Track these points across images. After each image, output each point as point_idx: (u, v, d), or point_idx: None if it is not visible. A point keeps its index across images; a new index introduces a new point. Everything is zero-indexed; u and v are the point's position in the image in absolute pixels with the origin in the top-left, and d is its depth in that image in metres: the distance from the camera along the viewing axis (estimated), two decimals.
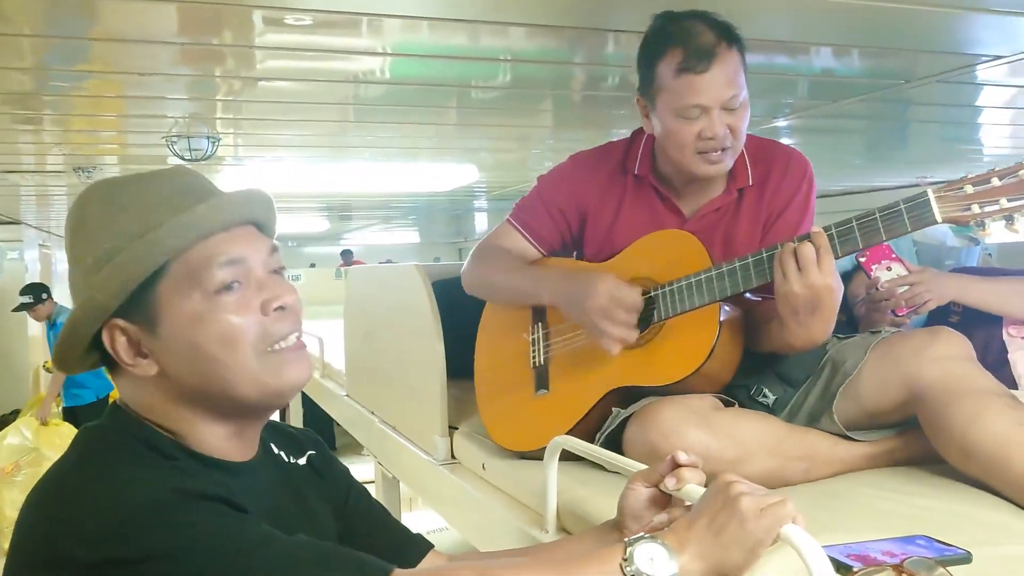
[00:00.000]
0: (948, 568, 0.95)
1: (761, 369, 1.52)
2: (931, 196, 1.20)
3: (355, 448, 5.00)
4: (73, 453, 0.90)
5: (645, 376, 1.42)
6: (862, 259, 2.02)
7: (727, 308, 1.42)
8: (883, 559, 0.96)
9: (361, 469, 4.52)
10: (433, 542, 1.17)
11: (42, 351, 6.86)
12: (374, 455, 2.67)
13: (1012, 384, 1.88)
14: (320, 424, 4.73)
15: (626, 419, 1.40)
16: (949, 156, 5.16)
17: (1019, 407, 1.27)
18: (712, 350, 1.37)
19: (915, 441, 1.42)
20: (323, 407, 3.56)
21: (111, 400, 0.98)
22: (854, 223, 1.26)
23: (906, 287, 1.91)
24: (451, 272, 2.37)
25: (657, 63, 1.44)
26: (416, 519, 3.94)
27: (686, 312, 1.40)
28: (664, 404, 1.35)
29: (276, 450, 1.05)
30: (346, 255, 11.55)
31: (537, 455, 1.41)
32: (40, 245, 8.64)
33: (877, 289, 1.93)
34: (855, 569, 0.93)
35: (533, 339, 1.64)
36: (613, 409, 1.44)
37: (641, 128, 1.63)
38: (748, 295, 1.44)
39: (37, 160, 4.48)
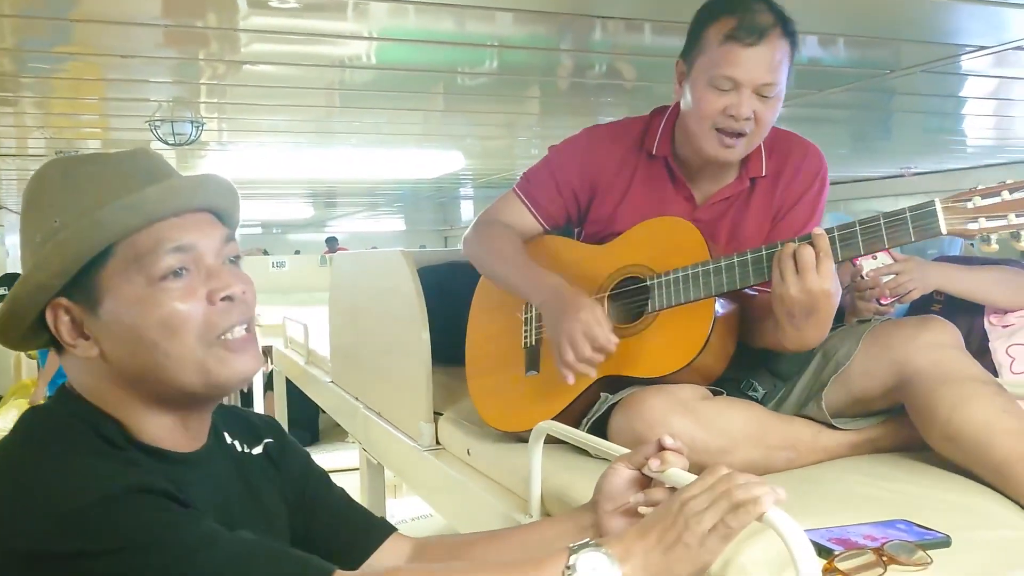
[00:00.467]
0: (928, 551, 0.96)
1: (752, 363, 1.51)
2: (938, 206, 1.18)
3: (340, 435, 5.00)
4: (17, 437, 0.88)
5: (636, 367, 1.42)
6: None
7: (722, 302, 1.40)
8: (864, 543, 0.97)
9: (346, 456, 4.53)
10: (415, 528, 1.17)
11: None
12: (359, 442, 2.66)
13: (993, 371, 1.90)
14: (305, 411, 4.72)
15: (612, 405, 1.40)
16: (933, 146, 5.19)
17: (1004, 395, 1.29)
18: (704, 345, 1.36)
19: (897, 430, 1.43)
20: (308, 394, 3.55)
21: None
22: (857, 228, 1.24)
23: (891, 276, 1.92)
24: (437, 258, 2.37)
25: (707, 27, 1.41)
26: (401, 506, 3.94)
27: (681, 305, 1.39)
28: (651, 393, 1.35)
29: (229, 439, 1.04)
30: (331, 242, 11.51)
31: (522, 436, 1.41)
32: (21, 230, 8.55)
33: (862, 277, 1.94)
34: (836, 552, 0.94)
35: (526, 318, 1.63)
36: (601, 395, 1.44)
37: (661, 108, 1.61)
38: (746, 290, 1.42)
39: (18, 144, 4.43)
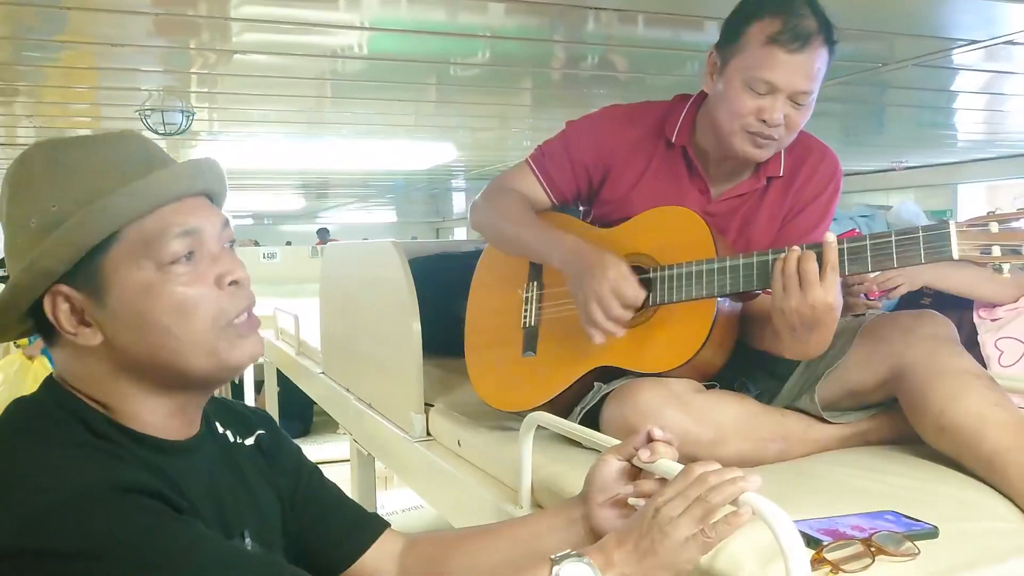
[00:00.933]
0: (915, 542, 0.97)
1: (748, 362, 1.50)
2: (952, 230, 1.14)
3: (331, 426, 4.99)
4: (1, 427, 0.86)
5: (633, 361, 1.41)
6: None
7: (723, 302, 1.38)
8: (852, 533, 0.98)
9: (336, 447, 4.53)
10: (406, 519, 1.16)
11: None
12: (350, 432, 2.66)
13: (982, 364, 1.91)
14: (298, 403, 4.71)
15: (605, 395, 1.40)
16: (924, 141, 5.21)
17: (997, 389, 1.29)
18: (703, 345, 1.35)
19: (887, 423, 1.44)
20: (299, 385, 3.54)
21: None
22: (867, 243, 1.21)
23: (878, 271, 1.93)
24: (428, 249, 2.37)
25: (750, 23, 1.36)
26: (392, 498, 3.95)
27: (682, 302, 1.37)
28: (644, 384, 1.35)
29: (221, 429, 1.03)
30: (322, 233, 11.49)
31: (514, 417, 1.40)
32: None
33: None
34: (825, 543, 0.94)
35: (527, 297, 1.61)
36: (594, 384, 1.44)
37: (683, 95, 1.58)
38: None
39: (7, 132, 4.40)
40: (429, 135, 4.75)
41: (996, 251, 1.13)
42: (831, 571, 0.91)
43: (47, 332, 0.89)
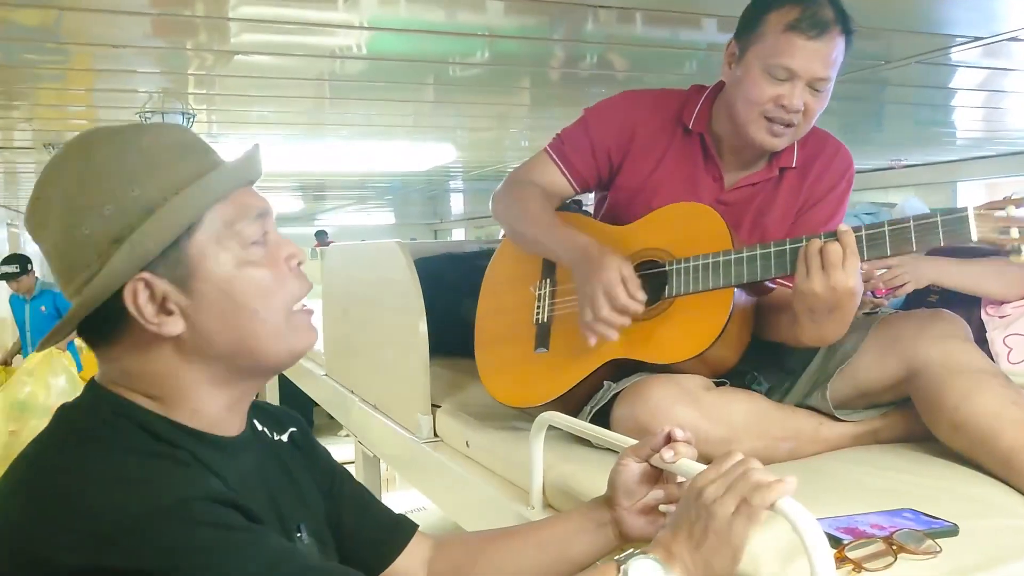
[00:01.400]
0: (936, 540, 0.96)
1: (760, 356, 1.50)
2: (970, 213, 1.16)
3: (333, 429, 4.98)
4: (53, 436, 0.83)
5: (647, 352, 1.40)
6: None
7: (739, 296, 1.39)
8: (873, 532, 0.97)
9: (340, 450, 4.52)
10: (416, 522, 1.15)
11: (10, 332, 6.41)
12: (354, 435, 2.65)
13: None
14: (298, 405, 4.69)
15: (616, 395, 1.39)
16: (923, 138, 5.20)
17: (1012, 387, 1.29)
18: (720, 335, 1.34)
19: (899, 422, 1.44)
20: (302, 387, 3.53)
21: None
22: (886, 228, 1.22)
23: (885, 269, 1.92)
24: (432, 250, 2.36)
25: (769, 11, 1.40)
26: (395, 498, 3.94)
27: (699, 292, 1.37)
28: (654, 382, 1.34)
29: (260, 426, 1.02)
30: (321, 235, 11.46)
31: (526, 414, 1.39)
32: (8, 224, 8.47)
33: None
34: (846, 542, 0.93)
35: (539, 294, 1.62)
36: (604, 383, 1.43)
37: (699, 86, 1.60)
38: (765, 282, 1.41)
39: (4, 136, 4.38)
40: (428, 136, 4.73)
41: (1015, 232, 1.14)
42: (853, 569, 0.90)
43: (94, 331, 0.85)
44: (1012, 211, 1.14)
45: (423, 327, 1.89)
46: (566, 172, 1.62)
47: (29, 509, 0.76)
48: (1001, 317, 1.98)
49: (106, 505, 0.73)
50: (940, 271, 1.97)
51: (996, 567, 0.93)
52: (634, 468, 1.04)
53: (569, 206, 1.78)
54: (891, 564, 0.91)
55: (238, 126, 4.22)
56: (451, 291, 1.85)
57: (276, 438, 1.03)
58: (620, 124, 1.59)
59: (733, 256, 1.35)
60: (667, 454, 0.99)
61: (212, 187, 0.84)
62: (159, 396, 0.85)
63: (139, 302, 0.82)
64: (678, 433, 1.02)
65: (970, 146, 5.44)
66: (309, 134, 4.51)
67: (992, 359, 1.90)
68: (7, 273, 5.59)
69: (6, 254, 6.94)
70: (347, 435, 3.12)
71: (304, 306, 0.91)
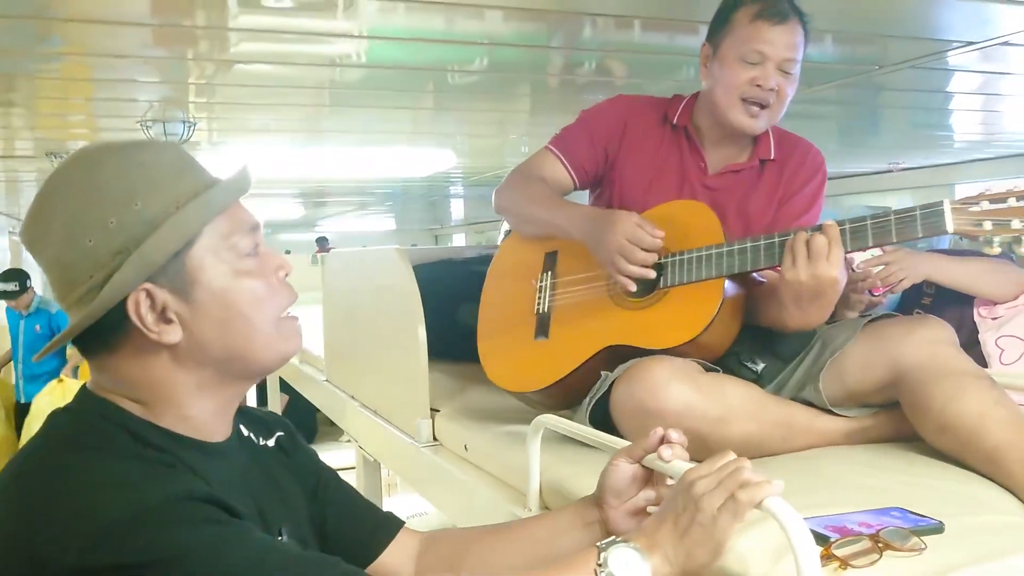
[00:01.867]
0: (922, 537, 0.98)
1: (754, 341, 1.57)
2: (947, 207, 1.23)
3: (335, 434, 5.00)
4: (45, 443, 0.86)
5: (642, 338, 1.46)
6: None
7: (731, 285, 1.46)
8: (860, 530, 0.99)
9: (341, 455, 4.53)
10: (412, 526, 1.17)
11: (5, 336, 6.09)
12: (354, 439, 2.67)
13: (983, 363, 1.93)
14: (302, 412, 4.71)
15: (613, 382, 1.42)
16: (920, 142, 5.22)
17: (997, 388, 1.32)
18: (711, 322, 1.41)
19: (890, 421, 1.46)
20: (302, 393, 3.55)
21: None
22: (868, 221, 1.30)
23: (881, 266, 1.94)
24: (431, 256, 2.38)
25: (735, 10, 1.56)
26: (397, 503, 3.95)
27: (692, 283, 1.45)
28: (651, 362, 1.39)
29: (246, 432, 1.05)
30: (321, 242, 11.49)
31: (521, 418, 1.41)
32: (9, 232, 8.50)
33: (853, 270, 1.96)
34: (833, 540, 0.95)
35: (540, 286, 1.69)
36: (602, 373, 1.47)
37: (680, 95, 1.74)
38: (754, 274, 1.50)
39: (6, 145, 4.40)
40: (427, 142, 4.76)
41: (987, 225, 1.21)
42: (839, 567, 0.92)
43: (98, 339, 0.88)
44: (986, 205, 1.21)
45: (422, 332, 1.91)
46: (567, 164, 1.71)
47: (20, 511, 0.79)
48: (994, 319, 1.99)
49: (95, 505, 0.76)
50: (935, 267, 1.99)
51: (980, 564, 0.95)
52: (625, 469, 1.06)
53: None
54: (876, 561, 0.93)
55: (239, 133, 4.25)
56: (449, 297, 1.87)
57: (262, 443, 1.06)
58: (615, 119, 1.72)
59: (725, 249, 1.43)
60: (666, 452, 1.02)
61: (212, 203, 0.89)
62: (149, 402, 0.89)
63: (141, 311, 0.86)
64: (674, 435, 1.05)
65: (968, 149, 5.45)
66: (309, 141, 4.54)
67: (985, 360, 1.92)
68: (6, 292, 5.46)
69: (6, 265, 6.86)
70: (348, 440, 3.14)
71: (289, 314, 0.96)
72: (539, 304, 1.67)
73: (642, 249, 1.45)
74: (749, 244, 1.41)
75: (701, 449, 1.27)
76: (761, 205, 1.64)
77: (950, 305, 2.02)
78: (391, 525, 1.14)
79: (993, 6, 2.27)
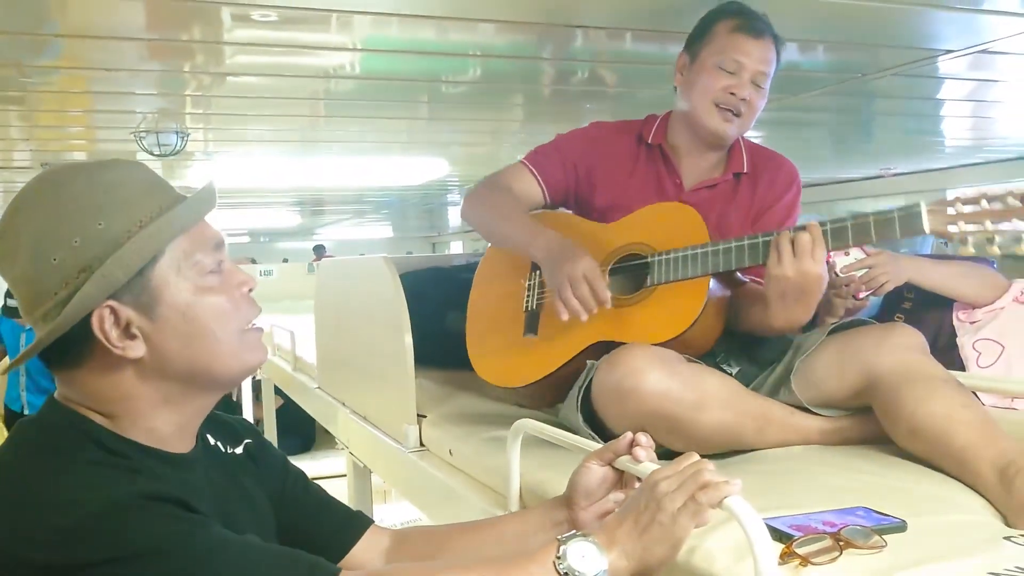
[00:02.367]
0: (883, 536, 1.00)
1: (731, 344, 1.61)
2: (923, 208, 1.30)
3: (330, 441, 5.01)
4: (12, 448, 0.90)
5: (629, 333, 1.50)
6: None
7: (716, 285, 1.50)
8: (823, 528, 1.01)
9: (337, 462, 4.55)
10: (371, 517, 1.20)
11: None
12: (345, 445, 2.70)
13: (961, 366, 1.96)
14: (301, 419, 4.73)
15: (598, 368, 1.46)
16: (912, 148, 5.24)
17: (964, 392, 1.35)
18: (697, 319, 1.45)
19: (865, 424, 1.49)
20: (295, 400, 3.58)
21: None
22: (848, 222, 1.35)
23: (864, 270, 1.97)
24: (418, 264, 2.41)
25: (715, 23, 1.64)
26: (390, 511, 3.97)
27: (678, 281, 1.49)
28: (632, 347, 1.43)
29: (212, 440, 1.08)
30: (319, 250, 11.49)
31: (504, 424, 1.45)
32: None
33: (837, 274, 1.99)
34: (795, 538, 0.98)
35: (529, 285, 1.73)
36: (588, 362, 1.51)
37: (653, 114, 1.79)
38: (739, 274, 1.55)
39: (3, 156, 4.43)
40: (422, 151, 4.79)
41: (961, 225, 1.28)
42: (800, 564, 0.95)
43: (63, 353, 0.91)
44: (960, 207, 1.27)
45: (408, 340, 1.94)
46: (540, 180, 1.74)
47: None
48: (972, 323, 2.02)
49: (64, 503, 0.80)
50: (918, 270, 2.02)
51: (942, 561, 0.97)
52: (596, 471, 1.09)
53: None
54: (836, 559, 0.96)
55: (234, 144, 4.28)
56: (436, 304, 1.90)
57: (229, 451, 1.09)
58: (588, 145, 1.76)
59: (710, 248, 1.47)
60: (640, 453, 1.05)
61: (175, 221, 0.91)
62: (115, 415, 0.92)
63: (105, 327, 0.89)
64: (643, 439, 1.08)
65: (959, 154, 5.48)
66: (305, 151, 4.57)
67: (963, 364, 1.95)
68: (12, 308, 5.49)
69: None
70: (342, 447, 3.16)
71: (254, 325, 0.99)
72: (528, 302, 1.71)
73: (591, 286, 1.46)
74: (734, 244, 1.45)
75: (677, 434, 1.32)
76: (738, 218, 1.69)
77: (930, 309, 2.05)
78: (359, 522, 1.17)
79: (980, 16, 2.31)
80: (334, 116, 3.62)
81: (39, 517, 0.79)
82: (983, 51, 2.56)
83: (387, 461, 2.14)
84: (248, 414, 4.93)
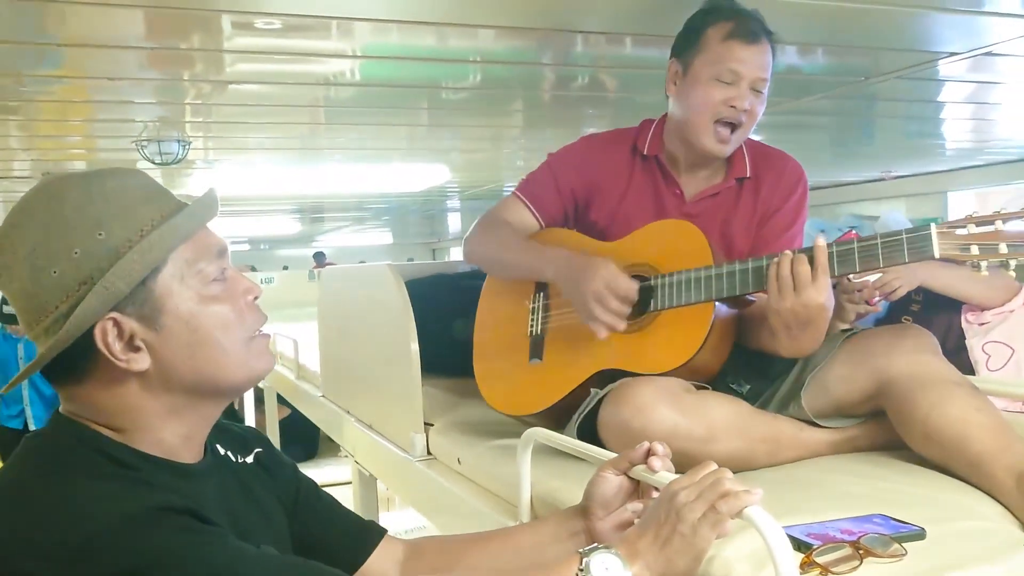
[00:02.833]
0: (903, 544, 0.99)
1: (740, 360, 1.56)
2: (933, 231, 1.22)
3: (334, 449, 4.99)
4: (21, 464, 0.88)
5: (634, 362, 1.47)
6: None
7: (720, 308, 1.45)
8: (842, 537, 1.00)
9: (340, 470, 4.53)
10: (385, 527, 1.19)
11: None
12: (350, 454, 2.68)
13: (970, 368, 1.95)
14: (305, 427, 4.71)
15: (601, 399, 1.44)
16: (912, 150, 5.25)
17: (978, 395, 1.33)
18: (701, 347, 1.41)
19: (876, 430, 1.47)
20: (299, 408, 3.56)
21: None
22: (855, 246, 1.29)
23: (877, 275, 1.96)
24: (424, 271, 2.40)
25: (707, 28, 1.54)
26: (395, 519, 3.95)
27: (682, 306, 1.44)
28: (638, 383, 1.40)
29: (222, 450, 1.06)
30: (319, 257, 11.50)
31: (513, 431, 1.44)
32: None
33: (849, 280, 1.98)
34: (815, 547, 0.97)
35: (533, 308, 1.69)
36: (591, 390, 1.48)
37: (648, 119, 1.71)
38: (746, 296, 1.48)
39: (3, 166, 4.43)
40: (423, 158, 4.78)
41: (974, 249, 1.20)
42: (820, 573, 0.94)
43: (67, 368, 0.89)
44: (973, 229, 1.20)
45: (415, 348, 1.93)
46: (534, 210, 1.70)
47: (1, 529, 0.80)
48: (980, 324, 2.02)
49: (76, 518, 0.78)
50: (930, 273, 2.02)
51: (961, 569, 0.96)
52: (612, 480, 1.08)
53: None
54: (856, 568, 0.94)
55: (235, 152, 4.28)
56: (442, 312, 1.89)
57: (240, 461, 1.07)
58: (581, 164, 1.70)
59: (714, 272, 1.42)
60: (656, 463, 1.04)
61: (177, 230, 0.89)
62: (122, 428, 0.90)
63: (108, 340, 0.87)
64: (659, 448, 1.06)
65: (960, 156, 5.48)
66: (305, 158, 4.57)
67: (972, 366, 1.94)
68: (9, 315, 5.46)
69: None
70: (346, 455, 3.15)
71: (260, 332, 0.97)
72: (532, 326, 1.67)
73: (616, 297, 1.43)
74: (738, 267, 1.39)
75: (689, 468, 1.29)
76: (742, 226, 1.63)
77: (938, 312, 2.04)
78: (374, 532, 1.15)
79: (981, 18, 2.30)
80: (334, 123, 3.62)
81: (51, 533, 0.78)
82: (985, 54, 2.56)
83: (394, 470, 2.13)
84: (250, 423, 4.91)
